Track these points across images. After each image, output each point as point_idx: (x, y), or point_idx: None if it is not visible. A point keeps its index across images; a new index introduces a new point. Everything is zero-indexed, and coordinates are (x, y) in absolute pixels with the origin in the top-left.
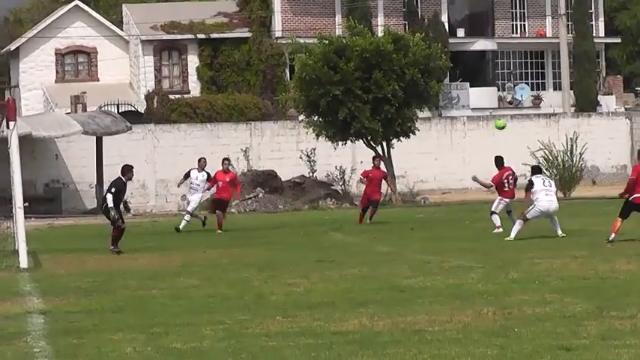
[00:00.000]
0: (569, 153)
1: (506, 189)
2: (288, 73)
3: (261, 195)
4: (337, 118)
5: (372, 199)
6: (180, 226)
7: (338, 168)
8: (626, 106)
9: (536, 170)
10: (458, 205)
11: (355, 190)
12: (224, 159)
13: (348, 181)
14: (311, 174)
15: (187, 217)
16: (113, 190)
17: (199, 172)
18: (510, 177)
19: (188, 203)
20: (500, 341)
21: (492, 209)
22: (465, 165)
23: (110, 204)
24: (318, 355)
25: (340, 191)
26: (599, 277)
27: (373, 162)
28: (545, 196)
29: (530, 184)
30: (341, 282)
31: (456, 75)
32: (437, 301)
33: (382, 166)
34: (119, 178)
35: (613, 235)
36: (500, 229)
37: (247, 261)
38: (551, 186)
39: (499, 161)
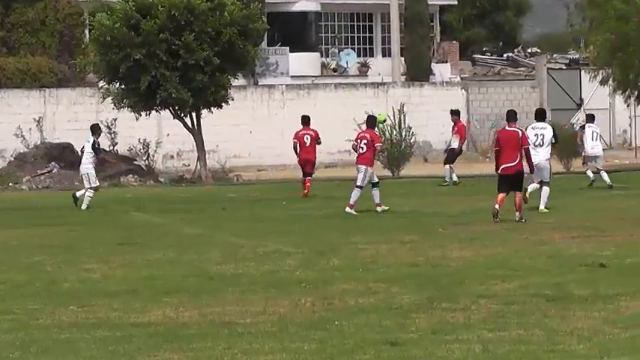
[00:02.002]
0: (397, 127)
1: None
2: (87, 35)
3: (55, 170)
4: (140, 86)
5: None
6: None
7: (141, 141)
8: (462, 75)
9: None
10: (276, 183)
11: (161, 165)
12: None
13: (153, 156)
14: (112, 147)
15: None
16: None
17: None
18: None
19: None
20: (319, 335)
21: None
22: (283, 139)
23: None
24: (116, 350)
25: (144, 167)
26: (430, 264)
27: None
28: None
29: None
30: (144, 267)
31: (274, 39)
32: (250, 290)
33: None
34: None
35: (497, 207)
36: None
37: (40, 243)
38: (538, 141)
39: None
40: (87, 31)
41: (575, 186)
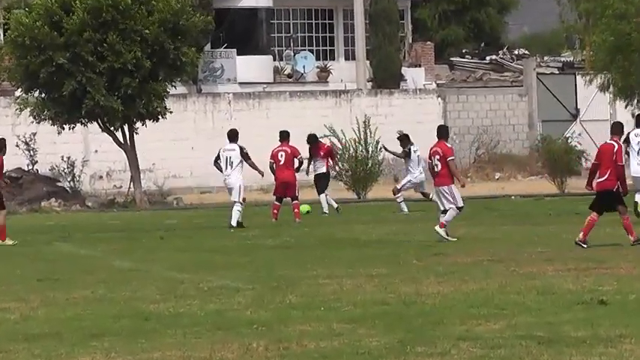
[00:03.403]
0: (362, 142)
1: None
2: (1, 35)
3: None
4: (62, 93)
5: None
6: None
7: (66, 159)
8: (438, 82)
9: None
10: (222, 208)
11: (88, 187)
12: None
13: (79, 177)
14: (31, 167)
15: None
16: None
17: None
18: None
19: None
20: None
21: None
22: None
23: None
24: None
25: (68, 189)
26: (402, 301)
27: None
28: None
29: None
30: (69, 307)
31: (220, 39)
32: (193, 332)
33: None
34: None
35: (582, 236)
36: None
37: None
38: None
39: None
40: (0, 31)
41: (572, 209)
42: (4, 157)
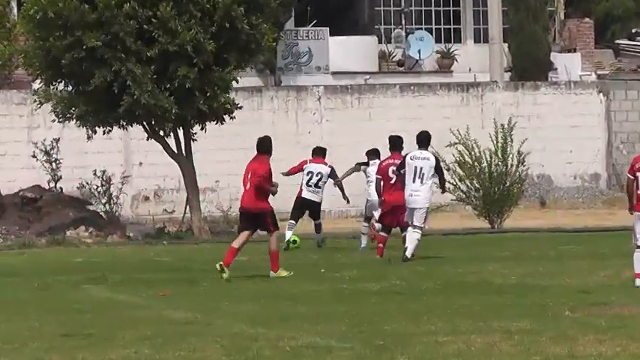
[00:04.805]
0: (500, 153)
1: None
2: (15, 10)
3: None
4: (93, 86)
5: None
6: None
7: (99, 174)
8: (599, 72)
9: None
10: (306, 239)
11: (130, 211)
12: None
13: (117, 198)
14: (53, 183)
15: None
16: None
17: None
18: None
19: None
20: None
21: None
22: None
23: None
24: None
25: (103, 214)
26: None
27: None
28: None
29: None
30: None
31: (306, 15)
32: None
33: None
34: None
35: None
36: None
37: None
38: None
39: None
40: (14, 5)
41: None
42: None
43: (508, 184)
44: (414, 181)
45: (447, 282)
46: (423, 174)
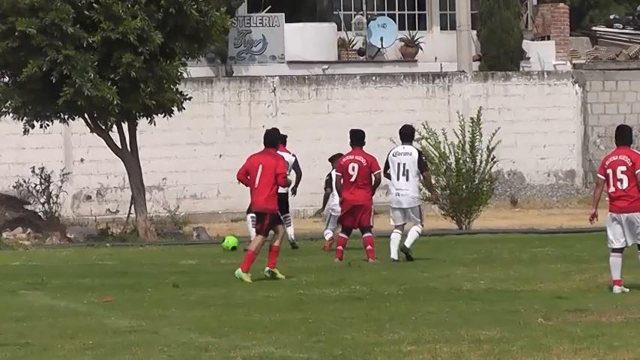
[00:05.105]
0: (468, 148)
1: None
2: None
3: None
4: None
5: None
6: None
7: (37, 172)
8: (575, 61)
9: None
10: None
11: (70, 212)
12: None
13: (57, 197)
14: None
15: None
16: None
17: None
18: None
19: None
20: None
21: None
22: None
23: None
24: None
25: (41, 214)
26: None
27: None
28: None
29: None
30: None
31: (260, 1)
32: None
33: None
34: None
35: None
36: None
37: None
38: None
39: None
40: None
41: None
42: None
43: (477, 181)
44: (398, 179)
45: (411, 287)
46: (407, 170)
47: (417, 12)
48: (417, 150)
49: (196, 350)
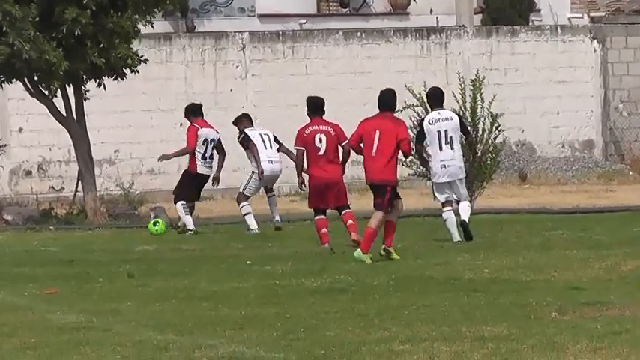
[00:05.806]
0: (469, 115)
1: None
2: None
3: None
4: None
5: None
6: None
7: None
8: (592, 14)
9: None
10: (228, 223)
11: (8, 189)
12: None
13: None
14: None
15: None
16: None
17: None
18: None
19: None
20: None
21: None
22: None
23: None
24: None
25: None
26: None
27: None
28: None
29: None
30: None
31: None
32: None
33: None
34: None
35: None
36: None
37: None
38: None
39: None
40: None
41: None
42: None
43: (479, 154)
44: (441, 149)
45: (404, 276)
46: (451, 137)
47: None
48: (457, 113)
49: (155, 350)
